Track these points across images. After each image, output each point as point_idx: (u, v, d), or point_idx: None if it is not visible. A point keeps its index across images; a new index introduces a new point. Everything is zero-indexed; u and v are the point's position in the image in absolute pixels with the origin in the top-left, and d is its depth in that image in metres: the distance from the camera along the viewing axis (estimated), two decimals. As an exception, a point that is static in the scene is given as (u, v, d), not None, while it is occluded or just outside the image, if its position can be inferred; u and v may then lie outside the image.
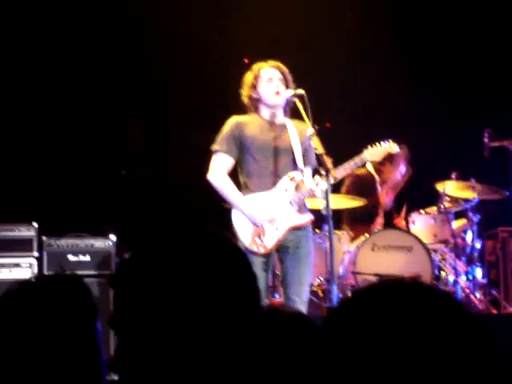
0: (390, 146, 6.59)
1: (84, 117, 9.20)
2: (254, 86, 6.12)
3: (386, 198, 8.59)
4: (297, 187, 6.09)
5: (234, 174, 6.22)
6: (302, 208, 6.13)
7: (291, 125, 6.16)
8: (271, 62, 6.17)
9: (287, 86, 6.11)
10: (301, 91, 5.98)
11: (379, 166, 8.53)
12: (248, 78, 6.17)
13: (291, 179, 6.06)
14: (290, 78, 6.15)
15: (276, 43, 9.00)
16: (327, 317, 1.42)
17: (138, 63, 9.38)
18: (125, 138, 9.49)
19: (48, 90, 9.11)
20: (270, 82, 6.09)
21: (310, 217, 6.14)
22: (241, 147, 6.08)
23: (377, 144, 6.53)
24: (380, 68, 9.71)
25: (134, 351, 1.56)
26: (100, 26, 9.25)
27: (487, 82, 9.75)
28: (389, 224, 8.57)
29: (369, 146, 6.51)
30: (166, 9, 9.25)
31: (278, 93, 6.08)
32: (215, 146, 6.10)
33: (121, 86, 9.36)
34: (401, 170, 8.61)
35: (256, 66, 6.19)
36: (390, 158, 8.35)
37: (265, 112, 6.17)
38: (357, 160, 6.34)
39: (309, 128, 5.87)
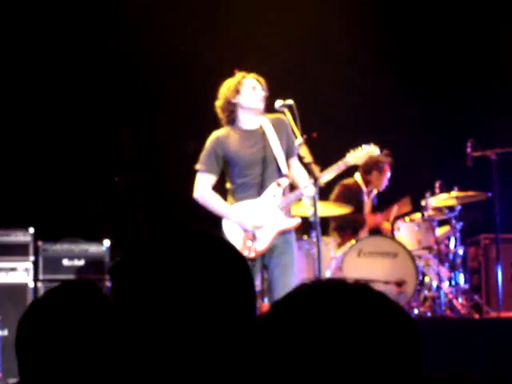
0: (371, 149, 6.73)
1: (78, 125, 9.29)
2: (236, 91, 6.22)
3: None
4: (284, 192, 6.22)
5: (221, 185, 6.36)
6: (288, 213, 6.26)
7: (267, 123, 6.27)
8: (254, 75, 6.30)
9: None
10: (290, 101, 6.07)
11: (367, 176, 8.74)
12: (230, 83, 6.27)
13: (278, 185, 6.18)
14: (266, 93, 6.28)
15: (264, 54, 9.14)
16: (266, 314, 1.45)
17: (129, 74, 9.48)
18: (116, 148, 9.57)
19: (45, 97, 9.20)
20: (253, 90, 6.21)
21: (297, 220, 6.26)
22: (225, 162, 6.20)
23: (359, 148, 6.68)
24: (366, 78, 9.84)
25: (129, 344, 1.57)
26: (91, 39, 9.35)
27: (470, 94, 9.91)
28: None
29: (351, 150, 6.67)
30: (155, 21, 9.36)
31: (262, 100, 6.22)
32: (198, 165, 6.23)
33: (115, 95, 9.46)
34: (387, 176, 8.80)
35: (239, 75, 6.30)
36: (377, 167, 8.59)
37: (242, 119, 6.27)
38: (340, 164, 6.45)
39: (297, 138, 5.96)
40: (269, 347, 1.38)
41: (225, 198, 6.26)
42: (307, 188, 6.04)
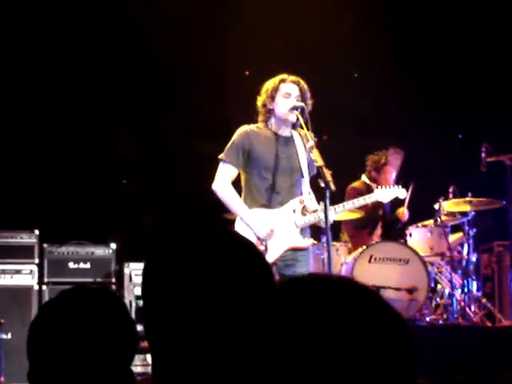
0: (399, 192, 6.83)
1: (86, 127, 9.26)
2: (271, 97, 6.07)
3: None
4: (303, 210, 6.13)
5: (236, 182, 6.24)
6: (304, 231, 6.16)
7: (297, 137, 6.16)
8: (292, 77, 6.11)
9: (304, 103, 6.04)
10: (301, 104, 5.97)
11: (371, 176, 8.70)
12: (268, 86, 6.13)
13: (301, 202, 6.09)
14: (308, 95, 6.09)
15: (275, 55, 9.07)
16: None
17: (135, 76, 9.43)
18: (115, 147, 9.53)
19: (51, 99, 9.17)
20: (286, 98, 6.04)
21: (311, 241, 6.18)
22: (248, 159, 6.08)
23: (387, 186, 6.76)
24: (379, 82, 9.77)
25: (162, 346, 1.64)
26: (94, 34, 9.27)
27: (485, 98, 9.83)
28: (387, 233, 8.69)
29: (379, 187, 6.85)
30: (164, 18, 9.28)
31: (292, 109, 6.03)
32: (223, 155, 6.10)
33: (123, 96, 9.41)
34: (391, 175, 8.69)
35: (278, 78, 6.13)
36: (375, 168, 8.58)
37: (274, 124, 6.15)
38: (367, 197, 6.53)
39: (309, 141, 5.89)
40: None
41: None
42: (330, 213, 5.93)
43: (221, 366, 1.60)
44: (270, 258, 5.97)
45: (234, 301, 1.62)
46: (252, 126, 6.19)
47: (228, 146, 6.13)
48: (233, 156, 6.08)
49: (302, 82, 6.11)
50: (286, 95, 6.05)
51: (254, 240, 5.93)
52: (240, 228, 6.04)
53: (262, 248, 5.94)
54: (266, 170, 6.05)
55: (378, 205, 8.62)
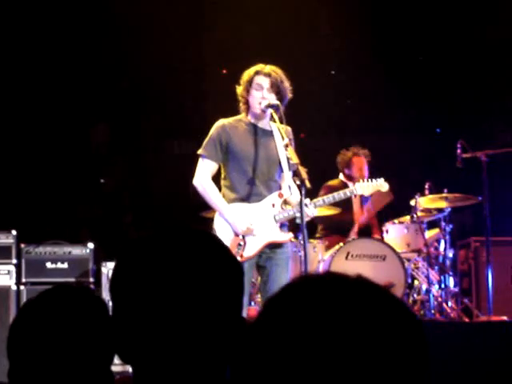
0: (380, 184, 6.80)
1: (63, 127, 9.24)
2: (246, 90, 6.06)
3: (361, 215, 8.76)
4: (283, 204, 6.13)
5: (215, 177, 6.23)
6: (284, 225, 6.16)
7: (276, 130, 6.09)
8: (266, 69, 6.04)
9: (279, 94, 6.00)
10: (276, 102, 5.93)
11: (346, 175, 8.74)
12: (244, 78, 6.11)
13: (280, 196, 6.09)
14: (283, 86, 6.02)
15: (252, 54, 9.07)
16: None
17: (113, 74, 9.42)
18: (92, 146, 9.52)
19: (25, 97, 9.15)
20: (257, 91, 6.01)
21: (290, 236, 6.18)
22: (226, 152, 6.05)
23: (368, 180, 6.72)
24: (354, 79, 9.80)
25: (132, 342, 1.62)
26: (71, 34, 9.25)
27: (460, 95, 9.88)
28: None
29: (360, 180, 6.83)
30: (142, 18, 9.27)
31: (260, 103, 6.00)
32: (201, 151, 6.08)
33: (100, 96, 9.40)
34: (361, 169, 8.70)
35: (253, 69, 6.09)
36: (345, 164, 8.62)
37: (251, 116, 6.13)
38: (347, 191, 6.53)
39: (284, 138, 5.90)
40: (262, 346, 1.30)
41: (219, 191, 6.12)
42: (309, 208, 5.94)
43: (190, 367, 1.60)
44: (249, 252, 5.98)
45: (202, 302, 1.60)
46: (229, 119, 6.16)
47: (206, 140, 6.10)
48: (211, 150, 6.06)
49: (276, 74, 6.04)
50: (257, 87, 6.02)
51: (232, 235, 5.99)
52: (219, 224, 6.04)
53: (240, 243, 5.98)
54: (245, 162, 6.02)
55: (350, 208, 8.68)
